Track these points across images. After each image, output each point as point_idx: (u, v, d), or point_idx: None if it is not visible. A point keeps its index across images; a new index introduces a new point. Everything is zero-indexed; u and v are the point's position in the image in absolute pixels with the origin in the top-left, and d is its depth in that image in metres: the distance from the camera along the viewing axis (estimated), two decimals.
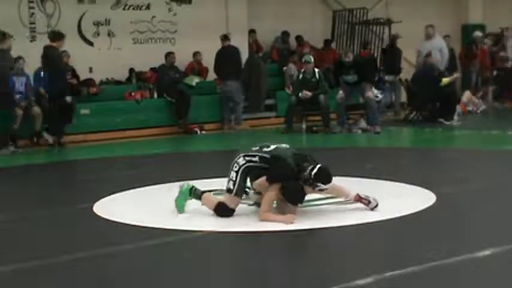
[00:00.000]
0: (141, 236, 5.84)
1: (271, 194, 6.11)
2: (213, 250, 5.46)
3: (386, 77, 16.57)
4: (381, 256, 5.04)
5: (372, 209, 6.25)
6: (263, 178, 6.23)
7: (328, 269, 4.86)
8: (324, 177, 6.08)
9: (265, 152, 6.26)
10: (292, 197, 6.09)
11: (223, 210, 6.28)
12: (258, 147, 6.35)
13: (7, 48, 12.25)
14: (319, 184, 6.06)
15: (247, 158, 6.29)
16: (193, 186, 6.66)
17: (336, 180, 6.30)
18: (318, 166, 6.06)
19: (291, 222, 5.95)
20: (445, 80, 14.69)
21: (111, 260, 5.23)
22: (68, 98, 12.81)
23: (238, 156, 6.37)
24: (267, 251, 5.45)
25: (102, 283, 4.71)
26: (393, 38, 17.13)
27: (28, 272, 4.96)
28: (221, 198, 6.46)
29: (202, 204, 6.54)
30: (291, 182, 6.07)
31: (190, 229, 5.95)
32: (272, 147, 6.31)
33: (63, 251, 5.42)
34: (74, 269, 5.02)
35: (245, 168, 6.28)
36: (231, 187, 6.27)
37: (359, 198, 6.35)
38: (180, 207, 6.57)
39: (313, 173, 6.02)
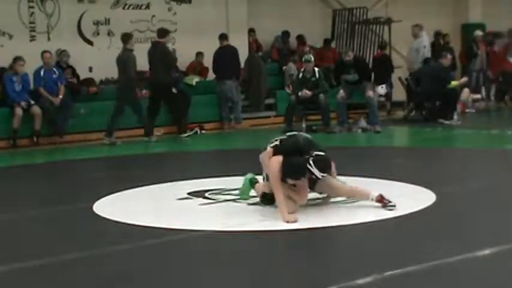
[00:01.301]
0: (141, 236, 5.84)
1: (274, 170, 6.15)
2: (213, 250, 5.46)
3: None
4: (381, 256, 5.04)
5: (388, 208, 6.27)
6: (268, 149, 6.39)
7: (328, 269, 4.86)
8: (321, 164, 6.18)
9: (286, 136, 6.51)
10: (291, 169, 6.12)
11: (264, 200, 6.63)
12: (274, 139, 6.54)
13: (131, 48, 13.13)
14: (314, 169, 6.13)
15: (271, 145, 6.46)
16: (251, 179, 6.95)
17: (352, 181, 6.34)
18: (321, 153, 6.20)
19: (287, 222, 5.97)
20: (454, 83, 14.72)
21: (111, 260, 5.23)
22: (174, 90, 13.52)
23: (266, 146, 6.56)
24: (267, 251, 5.45)
25: (102, 283, 4.71)
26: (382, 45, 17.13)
27: (28, 272, 4.96)
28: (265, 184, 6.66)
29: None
30: (292, 156, 6.15)
31: (191, 229, 5.95)
32: (293, 133, 6.61)
33: (63, 251, 5.42)
34: (74, 269, 5.02)
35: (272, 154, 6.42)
36: (265, 175, 6.57)
37: (381, 199, 6.36)
38: (242, 196, 6.98)
39: (312, 156, 6.15)
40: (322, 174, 6.23)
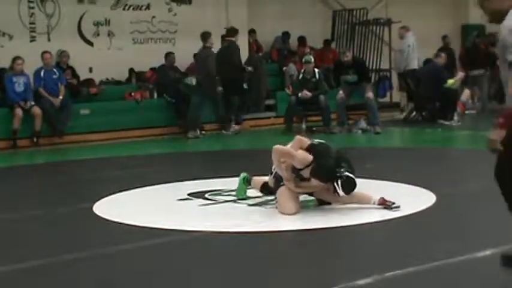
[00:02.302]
0: (141, 236, 5.84)
1: (299, 155, 6.23)
2: (213, 250, 5.46)
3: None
4: (381, 256, 5.04)
5: (392, 209, 6.27)
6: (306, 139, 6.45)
7: (328, 269, 4.86)
8: (347, 186, 6.22)
9: (315, 141, 6.53)
10: (323, 173, 6.19)
11: (267, 190, 6.74)
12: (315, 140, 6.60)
13: (210, 46, 13.88)
14: (339, 188, 6.18)
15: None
16: (245, 177, 7.02)
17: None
18: (349, 173, 6.20)
19: (282, 213, 6.09)
20: (450, 82, 14.70)
21: (111, 260, 5.23)
22: (245, 85, 14.39)
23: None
24: (267, 251, 5.45)
25: (102, 283, 4.71)
26: None
27: (28, 272, 4.96)
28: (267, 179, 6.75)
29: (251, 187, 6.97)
30: (327, 159, 6.21)
31: (190, 229, 5.95)
32: (323, 141, 6.60)
33: (63, 251, 5.42)
34: (74, 269, 5.02)
35: None
36: (272, 170, 6.59)
37: (383, 201, 6.37)
38: (239, 195, 7.05)
39: (343, 175, 6.17)
40: (342, 194, 6.27)
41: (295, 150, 6.33)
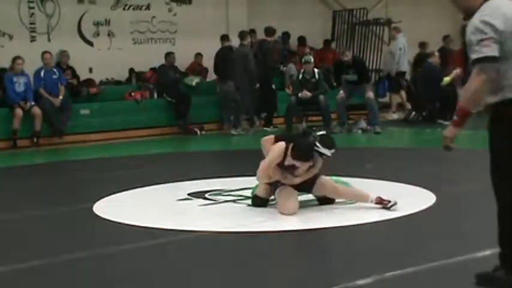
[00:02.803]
0: (141, 236, 5.85)
1: (273, 154, 6.29)
2: (213, 250, 5.46)
3: None
4: (381, 256, 5.04)
5: (390, 208, 6.28)
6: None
7: (328, 269, 4.86)
8: (328, 142, 6.34)
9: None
10: (301, 151, 6.20)
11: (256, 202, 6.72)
12: None
13: (247, 44, 14.55)
14: (322, 148, 6.24)
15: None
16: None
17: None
18: (322, 132, 6.44)
19: (282, 213, 6.20)
20: (446, 79, 14.67)
21: (111, 260, 5.23)
22: (273, 86, 15.12)
23: None
24: (267, 251, 5.45)
25: (102, 283, 4.71)
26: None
27: (28, 272, 4.96)
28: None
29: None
30: (301, 140, 6.27)
31: (190, 229, 5.95)
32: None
33: (63, 251, 5.42)
34: (74, 269, 5.02)
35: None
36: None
37: (380, 200, 6.38)
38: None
39: (317, 136, 6.29)
40: (330, 151, 6.32)
41: (269, 146, 6.41)
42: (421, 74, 15.16)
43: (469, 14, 4.19)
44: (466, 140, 12.71)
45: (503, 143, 4.12)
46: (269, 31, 15.08)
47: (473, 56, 4.06)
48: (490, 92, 4.09)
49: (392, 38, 16.18)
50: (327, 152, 6.30)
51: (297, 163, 6.25)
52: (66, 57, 14.21)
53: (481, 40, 4.02)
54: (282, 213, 6.31)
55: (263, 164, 6.39)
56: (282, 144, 6.29)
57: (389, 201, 6.31)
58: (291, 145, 6.23)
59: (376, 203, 6.35)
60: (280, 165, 6.32)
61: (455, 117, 4.19)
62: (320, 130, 6.38)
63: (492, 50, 4.01)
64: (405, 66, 16.07)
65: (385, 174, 8.09)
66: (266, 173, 6.35)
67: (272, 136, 6.53)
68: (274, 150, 6.31)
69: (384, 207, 6.29)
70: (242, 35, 14.42)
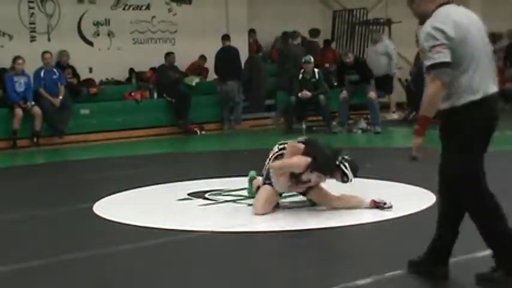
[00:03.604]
0: (141, 236, 5.85)
1: (295, 161, 6.23)
2: (213, 250, 5.46)
3: None
4: (381, 256, 5.04)
5: (386, 209, 6.29)
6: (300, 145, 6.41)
7: (328, 269, 4.86)
8: (355, 168, 6.34)
9: (299, 141, 6.49)
10: (323, 164, 6.18)
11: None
12: (292, 140, 6.61)
13: (298, 43, 15.65)
14: (348, 171, 6.27)
15: (280, 146, 6.54)
16: (251, 177, 7.03)
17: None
18: (350, 158, 6.37)
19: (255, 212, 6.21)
20: None
21: (111, 260, 5.23)
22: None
23: (276, 145, 6.63)
24: (267, 251, 5.45)
25: (102, 283, 4.72)
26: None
27: (28, 272, 4.96)
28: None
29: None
30: (325, 150, 6.25)
31: (190, 229, 5.95)
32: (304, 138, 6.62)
33: (63, 251, 5.42)
34: (74, 269, 5.02)
35: (277, 156, 6.51)
36: (263, 173, 6.61)
37: (375, 204, 6.39)
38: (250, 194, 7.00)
39: (345, 158, 6.30)
40: (352, 177, 6.33)
41: (290, 157, 6.33)
42: (415, 73, 15.13)
43: (423, 19, 4.26)
44: None
45: (458, 145, 4.21)
46: (315, 33, 16.30)
47: (427, 63, 4.14)
48: (445, 97, 4.17)
49: (374, 41, 16.13)
50: (351, 176, 6.31)
51: (314, 177, 6.22)
52: (65, 56, 14.21)
53: (433, 46, 4.10)
54: (255, 212, 6.34)
55: (282, 164, 6.34)
56: (307, 160, 6.21)
57: (385, 203, 6.32)
58: (314, 159, 6.18)
59: (372, 207, 6.37)
60: (293, 175, 6.29)
61: (416, 127, 4.26)
62: (347, 155, 6.38)
63: (445, 56, 4.08)
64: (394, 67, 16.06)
65: (385, 174, 8.09)
66: (279, 171, 6.32)
67: (302, 146, 6.37)
68: (300, 163, 6.21)
69: (380, 209, 6.30)
70: (293, 36, 15.40)
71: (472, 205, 4.31)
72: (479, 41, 4.22)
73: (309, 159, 6.19)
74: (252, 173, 7.09)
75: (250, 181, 7.03)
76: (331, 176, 6.32)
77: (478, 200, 4.27)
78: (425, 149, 4.36)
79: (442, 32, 4.10)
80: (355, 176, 6.36)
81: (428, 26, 4.15)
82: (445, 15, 4.18)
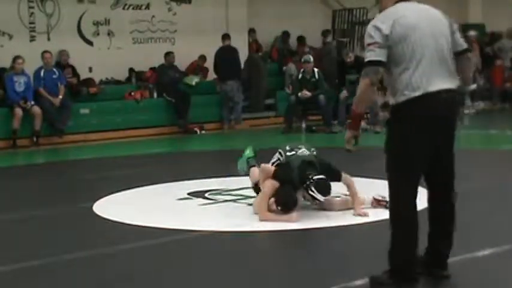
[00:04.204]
0: (141, 236, 5.85)
1: (267, 191, 6.17)
2: (213, 250, 5.46)
3: None
4: (381, 256, 5.03)
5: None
6: (271, 168, 6.35)
7: (327, 269, 4.86)
8: (323, 189, 6.14)
9: (287, 157, 6.43)
10: (283, 201, 6.13)
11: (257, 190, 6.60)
12: (289, 149, 6.51)
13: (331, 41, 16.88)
14: (316, 194, 6.11)
15: (279, 156, 6.55)
16: (249, 157, 7.05)
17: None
18: (319, 177, 6.13)
19: (295, 221, 6.01)
20: None
21: (111, 260, 5.23)
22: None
23: (278, 151, 6.61)
24: (267, 251, 5.46)
25: (102, 283, 4.72)
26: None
27: (28, 272, 4.96)
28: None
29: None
30: (287, 188, 6.15)
31: (190, 229, 5.95)
32: (294, 152, 6.45)
33: (63, 251, 5.42)
34: (74, 269, 5.02)
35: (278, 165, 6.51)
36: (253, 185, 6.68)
37: (377, 203, 6.42)
38: (240, 167, 7.09)
39: (312, 181, 6.10)
40: (324, 198, 6.21)
41: (263, 181, 6.29)
42: None
43: None
44: (466, 140, 12.73)
45: (396, 142, 4.25)
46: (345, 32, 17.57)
47: (364, 60, 4.21)
48: (390, 94, 4.24)
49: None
50: (321, 198, 6.19)
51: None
52: (65, 56, 14.20)
53: (368, 44, 4.18)
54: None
55: (258, 202, 6.30)
56: (274, 184, 6.19)
57: (386, 201, 6.33)
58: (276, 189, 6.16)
59: (375, 206, 6.37)
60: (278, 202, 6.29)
61: (348, 121, 4.38)
62: (317, 175, 6.22)
63: (376, 55, 4.13)
64: None
65: (385, 174, 8.06)
66: (262, 207, 6.22)
67: (272, 169, 6.33)
68: (266, 187, 6.22)
69: (384, 207, 6.30)
70: (326, 34, 16.46)
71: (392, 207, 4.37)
72: (427, 39, 4.18)
73: (274, 183, 6.18)
74: (249, 152, 7.09)
75: (247, 163, 7.03)
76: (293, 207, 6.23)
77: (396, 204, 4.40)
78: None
79: (379, 30, 4.15)
80: (325, 196, 6.20)
81: (370, 24, 4.20)
82: (389, 14, 4.24)
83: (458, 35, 4.39)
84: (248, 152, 7.13)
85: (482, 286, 4.40)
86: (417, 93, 4.11)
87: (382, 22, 4.19)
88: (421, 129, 4.15)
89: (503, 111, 17.44)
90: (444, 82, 4.17)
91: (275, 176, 6.25)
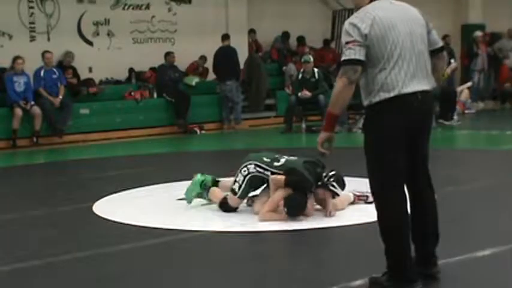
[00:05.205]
0: (141, 236, 5.85)
1: (278, 197, 6.15)
2: (213, 250, 5.46)
3: None
4: (380, 256, 5.03)
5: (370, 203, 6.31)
6: (281, 177, 6.24)
7: (327, 270, 4.86)
8: (342, 183, 6.30)
9: (277, 167, 6.32)
10: (293, 204, 6.10)
11: (226, 207, 6.50)
12: (269, 160, 6.39)
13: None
14: (338, 189, 6.25)
15: (258, 169, 6.37)
16: (203, 180, 6.86)
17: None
18: (333, 172, 6.28)
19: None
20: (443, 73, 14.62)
21: (111, 260, 5.23)
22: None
23: (249, 162, 6.45)
24: (267, 251, 5.45)
25: (102, 283, 4.72)
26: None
27: (28, 272, 4.96)
28: (227, 194, 6.60)
29: (208, 198, 6.79)
30: (299, 195, 6.11)
31: (190, 229, 5.95)
32: (282, 161, 6.38)
33: (63, 251, 5.42)
34: (74, 269, 5.02)
35: (253, 176, 6.38)
36: (236, 190, 6.44)
37: (358, 198, 6.55)
38: (188, 198, 6.88)
39: (330, 177, 6.24)
40: (343, 191, 6.37)
41: (274, 192, 6.23)
42: None
43: None
44: (466, 140, 12.74)
45: (372, 143, 4.17)
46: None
47: (341, 59, 4.14)
48: (364, 95, 4.16)
49: None
50: (340, 193, 6.34)
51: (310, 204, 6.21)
52: (70, 57, 14.22)
53: (347, 43, 4.11)
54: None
55: (262, 202, 6.29)
56: (287, 191, 6.14)
57: (367, 196, 6.37)
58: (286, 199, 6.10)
59: (358, 201, 6.53)
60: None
61: (323, 122, 4.25)
62: (331, 170, 6.32)
63: (355, 53, 4.06)
64: None
65: None
66: (265, 208, 6.21)
67: (283, 178, 6.21)
68: (275, 196, 6.19)
69: (366, 202, 6.40)
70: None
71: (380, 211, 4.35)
72: (405, 38, 4.14)
73: (279, 197, 6.14)
74: (200, 176, 6.91)
75: (201, 187, 6.86)
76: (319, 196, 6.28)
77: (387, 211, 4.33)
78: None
79: (357, 28, 4.10)
80: (344, 187, 6.37)
81: (347, 21, 4.17)
82: (367, 11, 4.18)
83: (434, 33, 4.37)
84: (199, 177, 6.94)
85: (482, 286, 4.40)
86: (391, 94, 4.06)
87: (361, 21, 4.12)
88: (395, 130, 4.09)
89: (504, 111, 17.45)
90: (420, 83, 4.13)
91: (287, 183, 6.18)
